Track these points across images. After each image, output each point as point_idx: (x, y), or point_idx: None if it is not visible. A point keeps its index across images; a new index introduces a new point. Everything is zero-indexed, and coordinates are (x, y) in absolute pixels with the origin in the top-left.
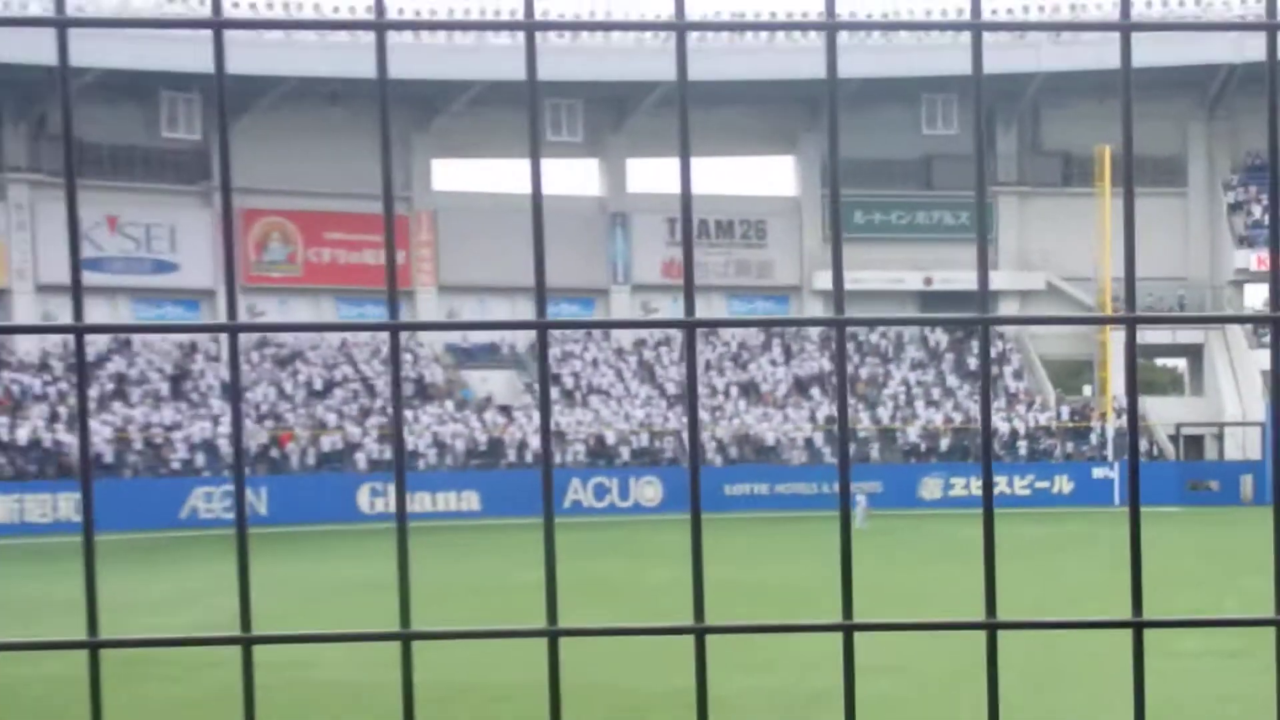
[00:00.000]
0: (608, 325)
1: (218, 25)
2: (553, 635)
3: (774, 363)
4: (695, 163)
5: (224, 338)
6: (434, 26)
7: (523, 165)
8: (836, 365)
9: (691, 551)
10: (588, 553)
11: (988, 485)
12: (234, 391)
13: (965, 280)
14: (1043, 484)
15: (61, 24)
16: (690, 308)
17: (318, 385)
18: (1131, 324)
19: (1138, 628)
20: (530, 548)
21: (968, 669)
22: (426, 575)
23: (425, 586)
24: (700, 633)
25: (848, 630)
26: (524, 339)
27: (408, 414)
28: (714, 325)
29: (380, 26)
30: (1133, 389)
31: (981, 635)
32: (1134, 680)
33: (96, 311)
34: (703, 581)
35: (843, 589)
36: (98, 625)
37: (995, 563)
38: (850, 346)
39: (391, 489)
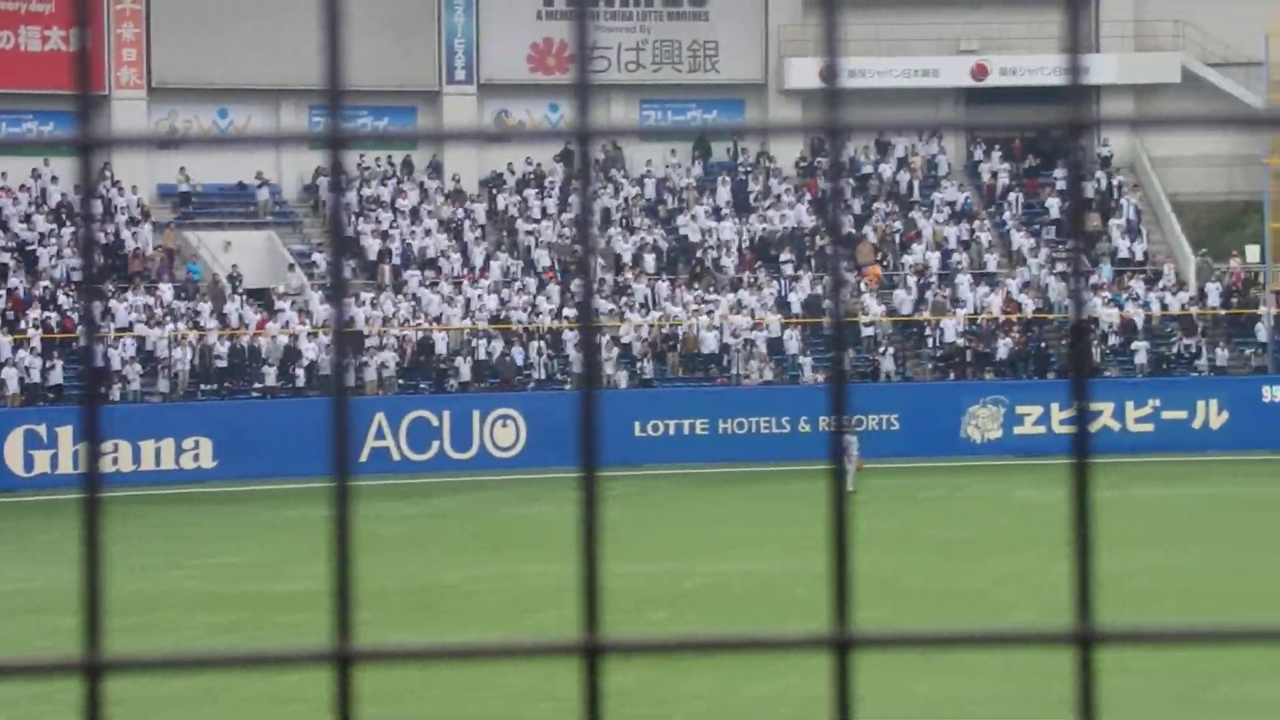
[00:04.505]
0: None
1: None
2: None
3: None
4: None
5: None
6: None
7: None
8: None
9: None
10: None
11: None
12: None
13: (1038, 68)
14: (1175, 414)
15: None
16: (584, 105)
17: None
18: None
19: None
20: None
21: None
22: None
23: None
24: None
25: None
26: (294, 180)
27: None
28: (613, 135)
29: None
30: None
31: None
32: None
33: None
34: None
35: None
36: None
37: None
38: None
39: None
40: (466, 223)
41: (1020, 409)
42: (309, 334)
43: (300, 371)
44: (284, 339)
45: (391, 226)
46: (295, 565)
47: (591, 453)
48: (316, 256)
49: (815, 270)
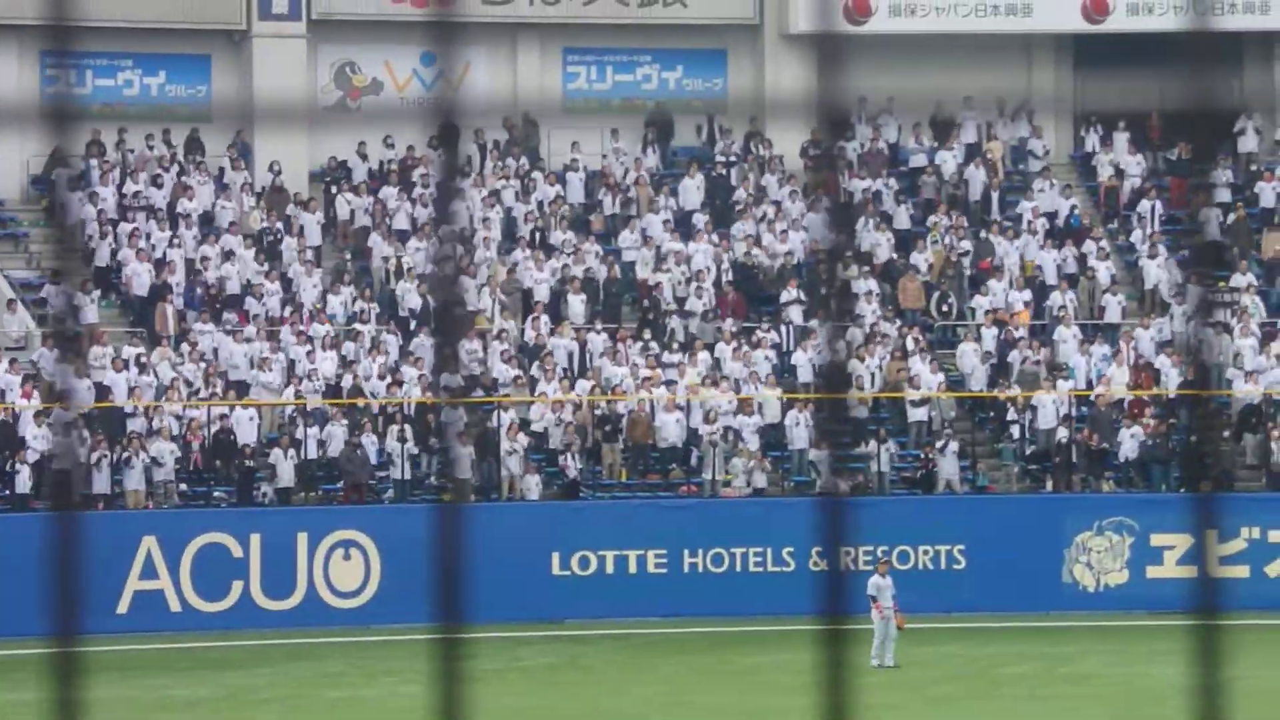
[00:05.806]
0: None
1: None
2: None
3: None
4: None
5: None
6: None
7: None
8: None
9: None
10: None
11: None
12: None
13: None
14: None
15: None
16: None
17: None
18: None
19: None
20: None
21: None
22: None
23: None
24: None
25: None
26: (14, 169)
27: None
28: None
29: None
30: None
31: None
32: None
33: None
34: None
35: None
36: None
37: None
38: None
39: None
40: (290, 239)
41: (1157, 538)
42: (36, 413)
43: (23, 470)
44: None
45: (171, 244)
46: None
47: (455, 604)
48: (49, 290)
49: (836, 317)
